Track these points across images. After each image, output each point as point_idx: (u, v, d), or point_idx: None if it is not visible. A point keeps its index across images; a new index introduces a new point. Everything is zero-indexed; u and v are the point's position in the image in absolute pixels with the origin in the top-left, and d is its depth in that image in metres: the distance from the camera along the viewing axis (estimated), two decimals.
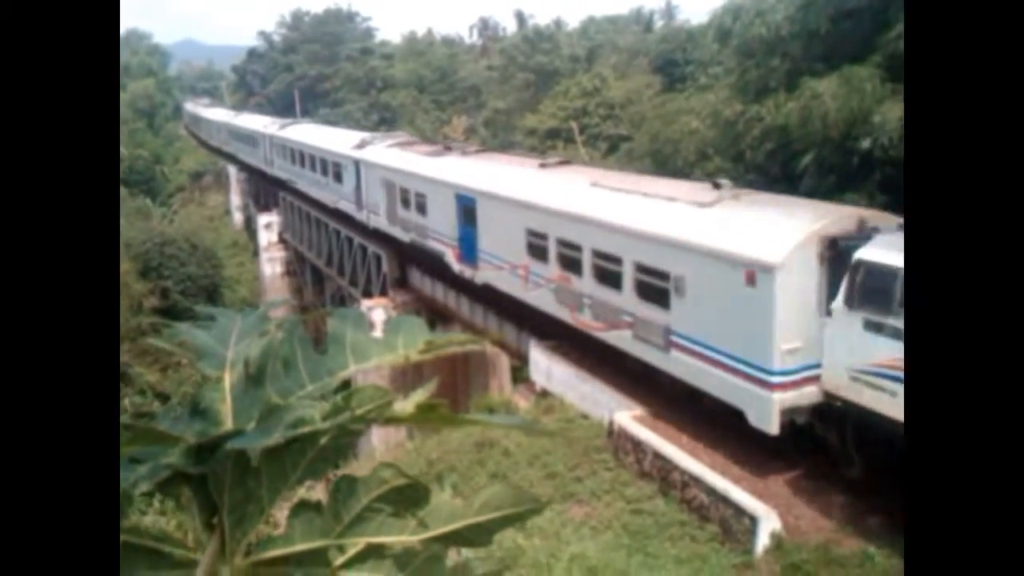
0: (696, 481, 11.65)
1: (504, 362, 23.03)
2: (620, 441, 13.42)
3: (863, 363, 9.86)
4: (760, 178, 26.47)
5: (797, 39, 26.20)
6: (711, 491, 11.34)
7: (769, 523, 10.53)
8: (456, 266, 20.91)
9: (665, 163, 32.52)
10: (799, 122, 23.86)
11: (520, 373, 20.57)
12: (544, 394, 16.88)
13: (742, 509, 10.81)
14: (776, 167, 26.68)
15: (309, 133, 37.70)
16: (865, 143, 21.44)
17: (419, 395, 1.22)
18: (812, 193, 21.11)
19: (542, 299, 16.57)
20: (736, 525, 10.85)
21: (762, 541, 10.45)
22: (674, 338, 12.72)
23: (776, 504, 10.89)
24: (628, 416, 13.67)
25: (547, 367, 16.84)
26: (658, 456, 12.48)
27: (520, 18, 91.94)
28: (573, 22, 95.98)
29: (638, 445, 12.96)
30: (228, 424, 1.29)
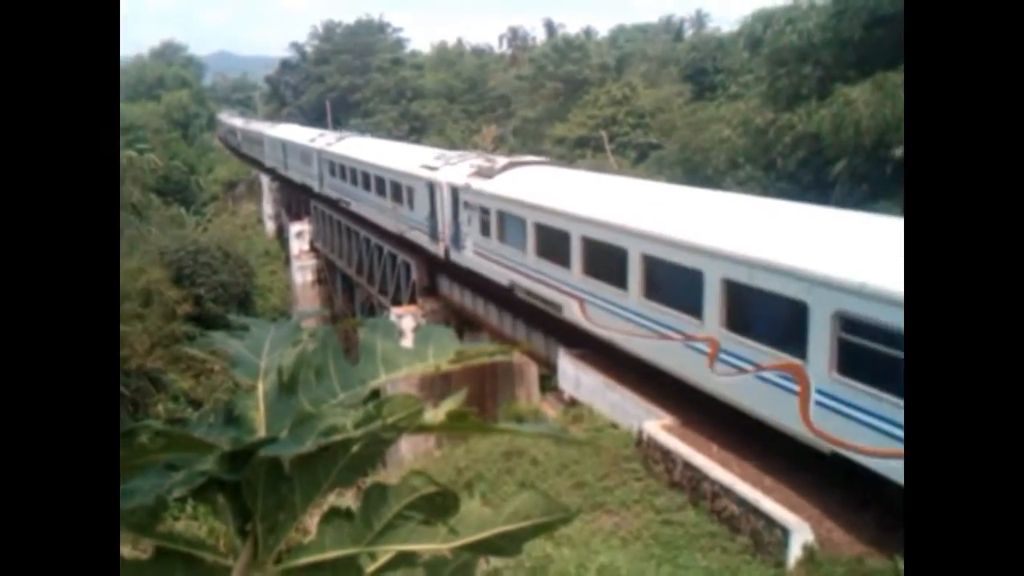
0: (727, 491, 11.54)
1: (532, 371, 23.04)
2: (649, 450, 13.34)
3: None
4: (792, 187, 26.27)
5: (829, 46, 26.00)
6: (742, 502, 11.23)
7: (801, 535, 10.39)
8: None
9: (695, 171, 32.41)
10: (831, 130, 23.66)
11: (548, 382, 20.56)
12: (572, 403, 16.84)
13: (774, 520, 10.68)
14: (808, 175, 26.47)
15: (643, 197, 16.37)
16: (899, 151, 21.17)
17: (449, 404, 1.23)
18: (844, 202, 20.92)
19: None
20: (768, 537, 10.73)
21: (794, 553, 10.31)
22: None
23: (809, 516, 10.75)
24: (657, 425, 13.58)
25: (575, 376, 16.80)
26: (688, 466, 12.39)
27: (550, 27, 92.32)
28: (603, 31, 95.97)
29: (667, 455, 12.87)
30: (262, 432, 1.31)
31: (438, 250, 24.19)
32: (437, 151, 28.98)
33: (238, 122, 79.78)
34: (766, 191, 24.68)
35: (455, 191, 22.11)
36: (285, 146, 47.94)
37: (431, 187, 23.86)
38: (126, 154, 41.85)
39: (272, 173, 55.44)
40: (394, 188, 27.73)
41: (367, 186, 31.39)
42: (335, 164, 36.22)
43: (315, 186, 40.57)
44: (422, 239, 25.42)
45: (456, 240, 22.34)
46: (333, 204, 37.87)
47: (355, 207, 33.81)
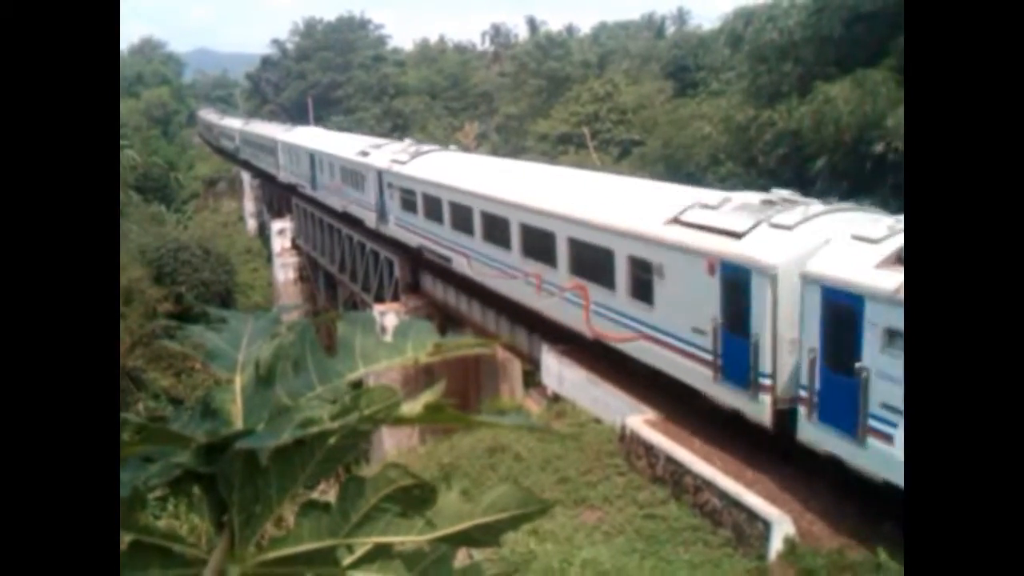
0: (709, 485, 11.61)
1: (516, 367, 23.05)
2: (632, 445, 13.39)
3: None
4: (772, 183, 26.42)
5: (810, 44, 26.17)
6: (724, 495, 11.29)
7: (782, 528, 10.47)
8: None
9: (677, 168, 32.53)
10: (812, 126, 23.83)
11: (532, 378, 20.58)
12: (556, 399, 16.87)
13: (755, 514, 10.76)
14: (789, 172, 26.62)
15: None
16: (878, 147, 21.36)
17: (428, 396, 1.23)
18: (824, 198, 21.05)
19: None
20: (749, 530, 10.80)
21: (775, 546, 10.39)
22: None
23: (790, 509, 10.83)
24: (640, 420, 13.63)
25: (559, 371, 16.82)
26: (670, 460, 12.44)
27: (532, 24, 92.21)
28: (585, 28, 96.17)
29: (650, 449, 12.93)
30: (238, 424, 1.30)
31: (752, 408, 11.84)
32: (688, 190, 16.04)
33: (235, 123, 66.19)
34: (747, 188, 24.82)
35: (852, 302, 10.12)
36: (315, 158, 36.43)
37: (735, 276, 11.89)
38: None
39: (292, 191, 42.81)
40: (583, 255, 16.06)
41: (500, 240, 19.32)
42: (416, 194, 24.64)
43: (369, 220, 29.27)
44: (680, 366, 13.34)
45: (835, 409, 10.46)
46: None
47: (464, 267, 21.60)
